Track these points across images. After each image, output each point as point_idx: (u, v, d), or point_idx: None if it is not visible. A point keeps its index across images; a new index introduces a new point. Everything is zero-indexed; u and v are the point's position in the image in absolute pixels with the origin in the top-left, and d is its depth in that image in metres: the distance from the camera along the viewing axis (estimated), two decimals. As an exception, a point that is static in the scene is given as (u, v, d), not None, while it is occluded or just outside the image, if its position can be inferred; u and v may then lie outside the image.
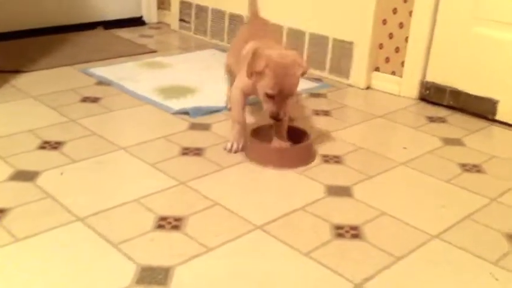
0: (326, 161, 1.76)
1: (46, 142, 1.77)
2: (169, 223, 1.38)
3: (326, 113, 2.15)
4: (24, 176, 1.56)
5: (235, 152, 1.75)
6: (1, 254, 1.23)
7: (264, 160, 1.70)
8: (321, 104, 2.24)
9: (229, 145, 1.76)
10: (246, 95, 1.75)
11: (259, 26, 2.00)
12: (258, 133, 1.80)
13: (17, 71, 2.39)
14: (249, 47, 1.75)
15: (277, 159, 1.70)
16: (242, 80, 1.70)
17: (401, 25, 2.34)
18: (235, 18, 2.92)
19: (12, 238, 1.29)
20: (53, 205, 1.43)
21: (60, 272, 1.19)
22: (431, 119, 2.15)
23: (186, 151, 1.76)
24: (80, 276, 1.18)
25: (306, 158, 1.74)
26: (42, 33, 2.96)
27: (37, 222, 1.35)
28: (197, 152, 1.77)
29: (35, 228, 1.33)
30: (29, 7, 2.93)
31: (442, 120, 2.14)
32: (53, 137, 1.80)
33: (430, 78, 2.31)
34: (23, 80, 2.30)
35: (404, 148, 1.88)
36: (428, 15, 2.24)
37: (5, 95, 2.13)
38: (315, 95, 2.35)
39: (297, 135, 1.81)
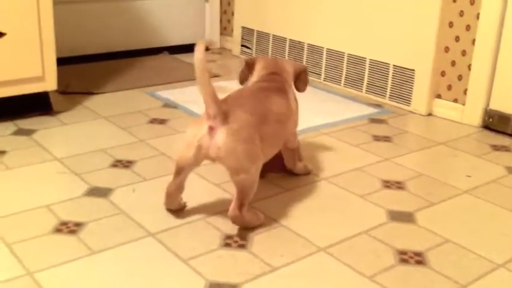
0: (387, 187, 1.77)
1: (118, 161, 1.86)
2: (235, 242, 1.42)
3: (387, 139, 2.16)
4: (99, 192, 1.65)
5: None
6: (79, 265, 1.31)
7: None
8: (381, 130, 2.26)
9: (309, 167, 1.85)
10: None
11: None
12: None
13: (88, 93, 2.52)
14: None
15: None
16: None
17: (464, 53, 2.34)
18: (296, 45, 2.99)
19: (89, 251, 1.36)
20: (125, 220, 1.50)
21: (134, 284, 1.25)
22: (495, 147, 2.12)
23: (249, 173, 1.81)
24: (152, 289, 1.24)
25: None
26: (111, 58, 3.11)
27: (111, 236, 1.43)
28: (260, 174, 1.81)
29: (109, 242, 1.40)
30: (99, 33, 3.09)
31: (506, 148, 2.12)
32: (124, 156, 1.90)
33: (493, 106, 2.29)
34: (94, 102, 2.43)
35: (469, 176, 1.87)
36: (491, 43, 2.23)
37: (78, 116, 2.26)
38: (375, 120, 2.37)
39: None
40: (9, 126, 2.11)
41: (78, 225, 1.47)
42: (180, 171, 1.47)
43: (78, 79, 2.71)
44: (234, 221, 1.45)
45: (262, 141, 1.46)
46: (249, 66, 1.77)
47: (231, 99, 1.51)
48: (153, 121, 2.24)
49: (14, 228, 1.45)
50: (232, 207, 1.43)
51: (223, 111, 1.38)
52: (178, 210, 1.55)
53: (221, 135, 1.38)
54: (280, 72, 1.72)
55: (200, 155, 1.41)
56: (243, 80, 1.81)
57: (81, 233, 1.44)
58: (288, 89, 1.70)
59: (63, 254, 1.34)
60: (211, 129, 1.38)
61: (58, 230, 1.44)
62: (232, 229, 1.48)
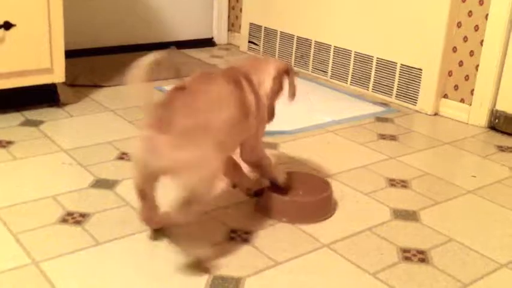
0: (393, 185, 1.77)
1: (124, 153, 1.87)
2: (239, 236, 1.43)
3: (393, 138, 2.16)
4: (104, 184, 1.66)
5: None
6: (84, 256, 1.32)
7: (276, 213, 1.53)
8: (387, 128, 2.26)
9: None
10: None
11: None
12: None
13: (96, 86, 2.53)
14: None
15: (293, 212, 1.53)
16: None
17: (471, 53, 2.33)
18: (303, 42, 2.99)
19: (94, 241, 1.37)
20: (130, 213, 1.51)
21: (138, 276, 1.26)
22: (501, 148, 2.12)
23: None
24: (156, 281, 1.25)
25: (322, 211, 1.56)
26: (119, 51, 3.12)
27: (116, 228, 1.44)
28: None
29: (114, 233, 1.41)
30: (108, 27, 3.10)
31: (511, 150, 2.12)
32: (131, 148, 1.90)
33: (500, 107, 2.29)
34: (101, 95, 2.44)
35: (474, 176, 1.87)
36: (499, 44, 2.23)
37: (85, 108, 2.27)
38: (381, 119, 2.37)
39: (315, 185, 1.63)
40: (17, 117, 2.12)
41: (84, 216, 1.48)
42: (143, 195, 1.31)
43: (86, 72, 2.72)
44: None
45: (216, 136, 1.27)
46: None
47: (170, 97, 1.28)
48: (160, 115, 2.24)
49: (20, 218, 1.46)
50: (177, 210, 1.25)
51: (161, 118, 1.21)
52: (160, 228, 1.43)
53: (160, 146, 1.20)
54: (240, 68, 1.49)
55: (150, 173, 1.25)
56: None
57: (87, 224, 1.45)
58: (242, 81, 1.43)
59: (69, 244, 1.36)
60: (149, 140, 1.21)
61: (64, 221, 1.46)
62: (237, 224, 1.48)
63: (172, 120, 1.21)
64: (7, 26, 2.03)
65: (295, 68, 3.04)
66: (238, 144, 1.46)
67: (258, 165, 1.54)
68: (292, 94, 1.55)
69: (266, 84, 1.50)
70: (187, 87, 1.31)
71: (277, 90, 1.53)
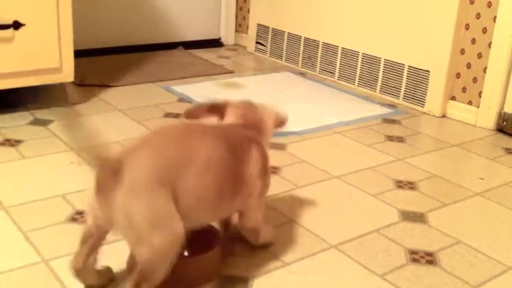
0: (400, 187, 1.77)
1: (132, 153, 1.87)
2: (247, 236, 1.44)
3: (400, 139, 2.17)
4: (113, 183, 1.66)
5: None
6: (93, 254, 1.33)
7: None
8: (394, 130, 2.26)
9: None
10: None
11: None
12: None
13: (104, 86, 2.55)
14: None
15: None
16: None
17: (479, 55, 2.33)
18: (310, 43, 2.99)
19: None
20: (139, 212, 1.52)
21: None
22: (509, 151, 2.12)
23: (262, 169, 1.82)
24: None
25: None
26: (127, 51, 3.14)
27: (125, 227, 1.44)
28: (273, 170, 1.82)
29: (123, 232, 1.42)
30: (116, 27, 3.11)
31: (519, 152, 2.12)
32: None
33: (508, 109, 2.28)
34: (110, 94, 2.45)
35: (481, 179, 1.87)
36: (508, 46, 2.23)
37: (94, 108, 2.28)
38: (388, 120, 2.37)
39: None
40: (26, 116, 2.14)
41: (93, 215, 1.49)
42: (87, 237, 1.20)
43: (95, 72, 2.73)
44: None
45: (183, 199, 1.08)
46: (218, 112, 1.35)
47: (136, 142, 1.14)
48: (168, 115, 2.25)
49: (30, 217, 1.47)
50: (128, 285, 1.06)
51: (113, 163, 1.04)
52: None
53: (115, 193, 1.04)
54: (256, 122, 1.34)
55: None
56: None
57: (96, 223, 1.45)
58: (257, 144, 1.27)
59: (78, 243, 1.36)
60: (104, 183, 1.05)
61: (73, 219, 1.47)
62: (245, 224, 1.49)
63: (127, 166, 1.04)
64: (16, 25, 2.04)
65: (303, 69, 3.05)
66: (224, 213, 1.29)
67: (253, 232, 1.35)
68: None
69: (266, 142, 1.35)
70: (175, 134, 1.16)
71: None
